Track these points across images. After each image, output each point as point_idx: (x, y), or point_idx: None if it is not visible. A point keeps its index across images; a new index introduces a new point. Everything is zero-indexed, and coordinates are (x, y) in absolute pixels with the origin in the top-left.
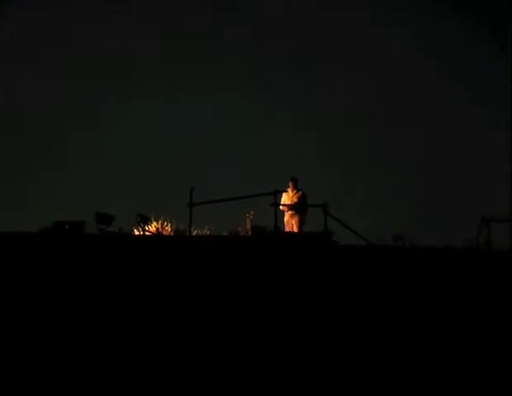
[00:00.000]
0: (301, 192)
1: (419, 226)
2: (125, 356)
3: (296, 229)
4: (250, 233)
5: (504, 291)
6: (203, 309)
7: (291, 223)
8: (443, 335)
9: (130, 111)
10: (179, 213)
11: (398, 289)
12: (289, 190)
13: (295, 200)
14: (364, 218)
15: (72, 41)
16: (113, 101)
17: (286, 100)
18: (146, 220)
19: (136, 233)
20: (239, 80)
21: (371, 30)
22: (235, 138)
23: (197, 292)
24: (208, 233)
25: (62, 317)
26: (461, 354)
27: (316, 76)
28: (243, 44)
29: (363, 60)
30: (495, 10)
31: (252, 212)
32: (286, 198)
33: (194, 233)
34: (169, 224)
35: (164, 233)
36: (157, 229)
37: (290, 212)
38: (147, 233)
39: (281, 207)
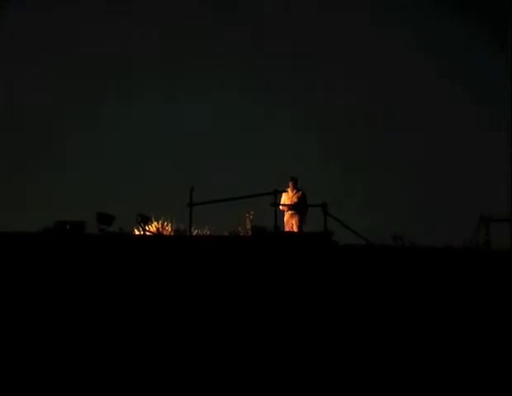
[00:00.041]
0: (300, 192)
1: (419, 226)
2: (125, 356)
3: (295, 229)
4: (250, 233)
5: (504, 291)
6: (203, 309)
7: (290, 223)
8: (443, 335)
9: (130, 111)
10: (179, 213)
11: (398, 289)
12: (289, 190)
13: (295, 199)
14: (364, 218)
15: (72, 41)
16: (113, 101)
17: (286, 100)
18: (146, 220)
19: (137, 233)
20: (239, 80)
21: (371, 30)
22: (235, 138)
23: (198, 292)
24: (208, 233)
25: (63, 316)
26: (461, 353)
27: (316, 76)
28: (243, 44)
29: (363, 60)
30: (495, 10)
31: (252, 212)
32: (286, 198)
33: (194, 233)
34: (169, 224)
35: (165, 233)
36: (157, 229)
37: (290, 212)
38: (147, 233)
39: (281, 207)
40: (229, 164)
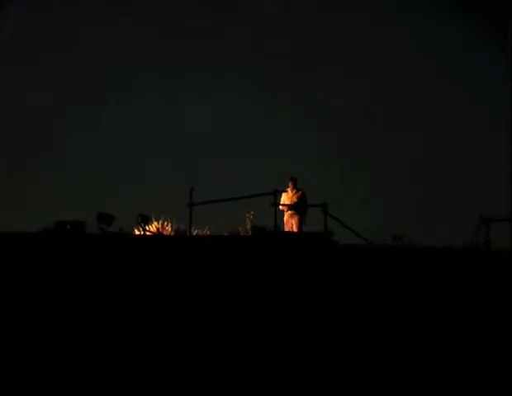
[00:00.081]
0: (300, 192)
1: (419, 226)
2: (126, 355)
3: (295, 229)
4: (250, 232)
5: (504, 291)
6: (204, 309)
7: (290, 222)
8: (443, 334)
9: (130, 111)
10: (179, 213)
11: (398, 289)
12: (289, 190)
13: (294, 199)
14: (364, 218)
15: (72, 41)
16: (113, 101)
17: (286, 100)
18: (147, 220)
19: (137, 232)
20: (239, 80)
21: (371, 30)
22: (235, 138)
23: (198, 292)
24: (208, 233)
25: (64, 316)
26: (461, 353)
27: (316, 76)
28: (243, 44)
29: (363, 60)
30: (495, 10)
31: (252, 212)
32: (286, 198)
33: (194, 233)
34: (170, 224)
35: (165, 232)
36: (157, 229)
37: (289, 212)
38: (147, 233)
39: (280, 207)
40: (229, 164)
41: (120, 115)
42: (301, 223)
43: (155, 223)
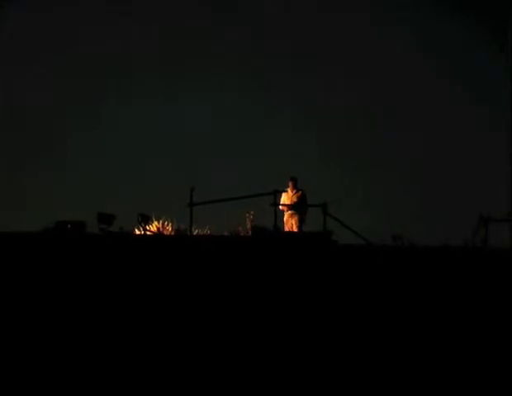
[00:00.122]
0: (300, 192)
1: (418, 226)
2: (126, 355)
3: (295, 229)
4: (250, 232)
5: (504, 291)
6: (204, 308)
7: (290, 222)
8: (443, 334)
9: (130, 111)
10: (180, 213)
11: (397, 289)
12: (289, 190)
13: (294, 199)
14: (364, 218)
15: (72, 41)
16: (113, 101)
17: (286, 100)
18: (147, 220)
19: (137, 232)
20: (239, 80)
21: (371, 30)
22: (235, 138)
23: (198, 291)
24: (208, 232)
25: (64, 316)
26: (460, 352)
27: (316, 76)
28: (243, 44)
29: (363, 60)
30: (495, 10)
31: (252, 212)
32: (286, 198)
33: (195, 233)
34: (170, 224)
35: (165, 232)
36: (158, 229)
37: (289, 212)
38: (148, 233)
39: (280, 207)
40: (229, 164)
41: (120, 115)
42: (300, 223)
43: (156, 222)
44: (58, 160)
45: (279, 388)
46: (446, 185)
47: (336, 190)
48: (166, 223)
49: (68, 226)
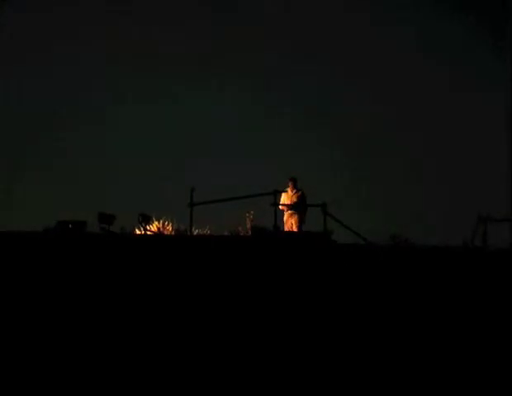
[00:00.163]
0: (300, 192)
1: (418, 226)
2: (126, 355)
3: (295, 229)
4: (250, 232)
5: (503, 291)
6: (204, 308)
7: (290, 222)
8: (442, 333)
9: (130, 111)
10: (180, 213)
11: (397, 289)
12: (288, 190)
13: (294, 199)
14: (364, 218)
15: (72, 41)
16: (113, 101)
17: (286, 100)
18: (148, 220)
19: (138, 232)
20: (239, 80)
21: (371, 30)
22: (235, 138)
23: (198, 291)
24: (209, 232)
25: (65, 315)
26: (460, 352)
27: (316, 76)
28: (243, 44)
29: (363, 60)
30: (495, 10)
31: (252, 212)
32: (286, 198)
33: (195, 233)
34: (170, 224)
35: (165, 232)
36: (158, 229)
37: (289, 212)
38: (148, 233)
39: (280, 207)
40: (229, 164)
41: (121, 115)
42: (300, 223)
43: (156, 222)
44: (58, 160)
45: (279, 388)
46: (446, 185)
47: (336, 190)
48: (166, 223)
49: (70, 226)
